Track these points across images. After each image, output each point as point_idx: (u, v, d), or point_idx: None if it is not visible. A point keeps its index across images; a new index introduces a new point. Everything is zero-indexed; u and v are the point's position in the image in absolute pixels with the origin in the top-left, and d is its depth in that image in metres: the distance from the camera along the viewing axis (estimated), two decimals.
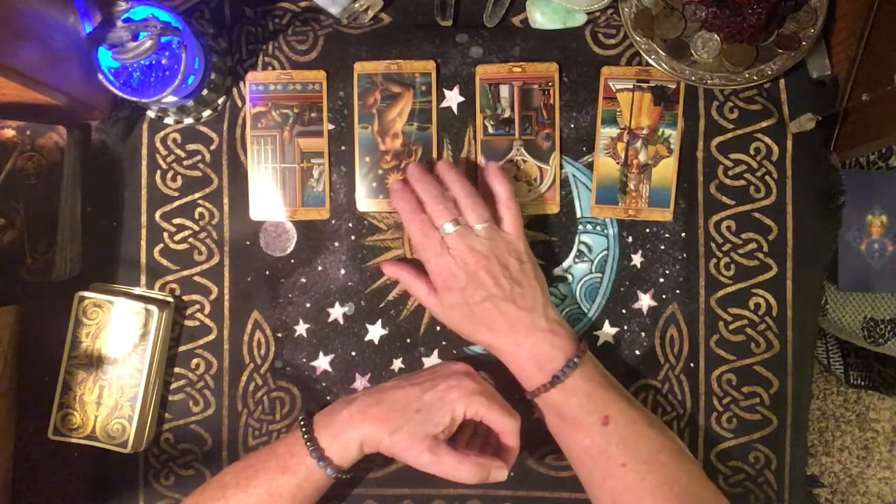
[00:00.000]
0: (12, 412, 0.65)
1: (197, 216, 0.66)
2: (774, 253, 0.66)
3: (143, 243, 0.66)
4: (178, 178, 0.66)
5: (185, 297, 0.66)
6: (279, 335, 0.67)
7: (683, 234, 0.66)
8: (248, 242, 0.67)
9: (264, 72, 0.66)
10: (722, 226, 0.66)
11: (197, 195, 0.66)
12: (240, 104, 0.66)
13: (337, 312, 0.67)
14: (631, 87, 0.66)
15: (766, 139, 0.65)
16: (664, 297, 0.66)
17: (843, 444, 1.45)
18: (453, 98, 0.67)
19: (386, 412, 0.56)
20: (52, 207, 0.62)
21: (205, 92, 0.62)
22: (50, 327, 0.63)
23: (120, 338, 0.63)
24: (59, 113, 0.61)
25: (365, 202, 0.66)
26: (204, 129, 0.67)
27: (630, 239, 0.66)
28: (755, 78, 0.63)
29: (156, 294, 0.66)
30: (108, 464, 0.65)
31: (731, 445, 0.66)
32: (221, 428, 0.66)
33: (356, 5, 0.65)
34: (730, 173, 0.66)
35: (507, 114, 0.66)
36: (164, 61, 0.58)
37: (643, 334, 0.66)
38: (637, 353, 0.66)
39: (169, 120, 0.66)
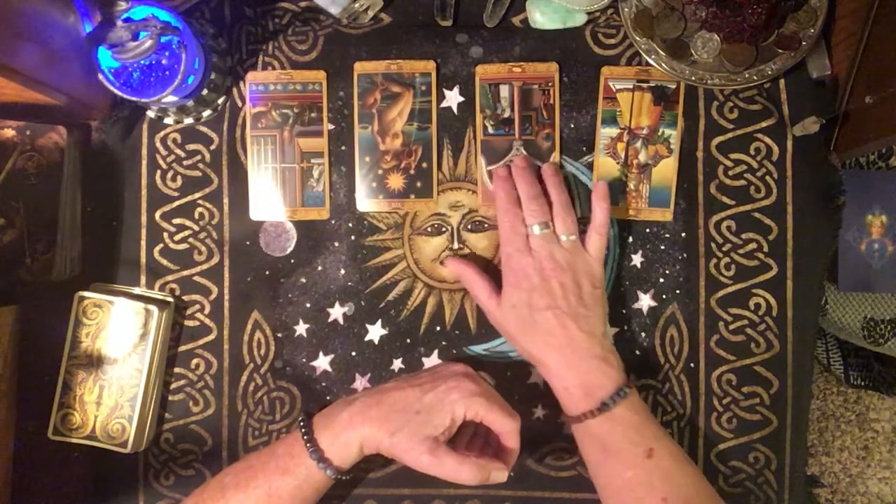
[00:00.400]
0: (12, 412, 0.65)
1: (197, 216, 0.66)
2: (774, 253, 0.65)
3: (143, 243, 0.66)
4: (178, 178, 0.66)
5: (185, 297, 0.66)
6: (279, 335, 0.67)
7: (683, 234, 0.66)
8: (248, 242, 0.67)
9: (264, 72, 0.66)
10: (722, 226, 0.66)
11: (197, 195, 0.66)
12: (240, 104, 0.66)
13: (337, 312, 0.67)
14: (631, 87, 0.66)
15: (767, 139, 0.65)
16: (664, 297, 0.66)
17: (843, 444, 1.45)
18: (453, 98, 0.67)
19: (386, 413, 0.56)
20: (52, 207, 0.62)
21: (205, 92, 0.62)
22: (50, 327, 0.63)
23: (120, 338, 0.63)
24: (59, 113, 0.61)
25: (365, 202, 0.66)
26: (204, 129, 0.67)
27: (630, 239, 0.66)
28: (755, 78, 0.63)
29: (156, 294, 0.66)
30: (108, 464, 0.65)
31: (731, 445, 0.66)
32: (221, 428, 0.66)
33: (356, 5, 0.65)
34: (730, 173, 0.66)
35: (506, 114, 0.66)
36: (164, 61, 0.58)
37: (643, 334, 0.66)
38: (637, 353, 0.66)
39: (169, 120, 0.66)
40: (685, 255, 0.66)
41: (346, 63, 0.66)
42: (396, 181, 0.66)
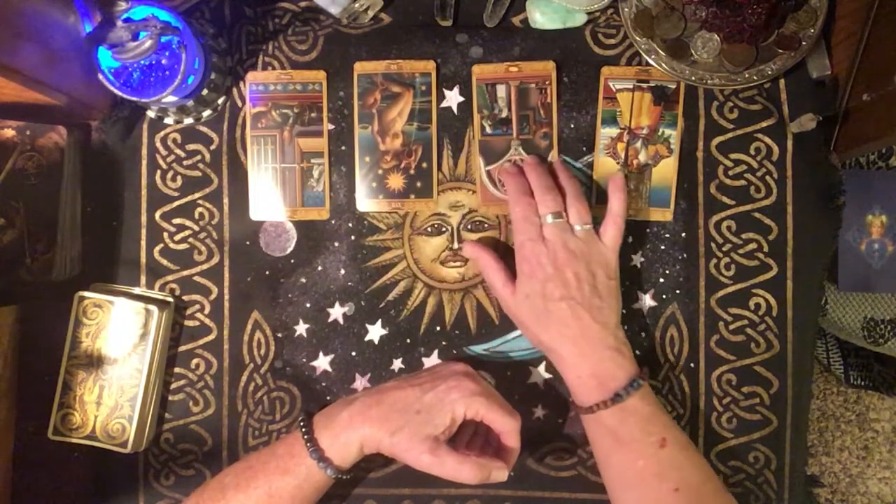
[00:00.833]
0: (12, 412, 0.65)
1: (197, 216, 0.66)
2: (774, 253, 0.65)
3: (143, 243, 0.66)
4: (178, 178, 0.66)
5: (185, 297, 0.66)
6: (279, 335, 0.67)
7: (684, 234, 0.66)
8: (248, 242, 0.67)
9: (264, 72, 0.66)
10: (722, 226, 0.66)
11: (197, 195, 0.66)
12: (240, 104, 0.66)
13: (337, 312, 0.67)
14: (631, 87, 0.66)
15: (767, 139, 0.65)
16: (664, 297, 0.66)
17: (843, 444, 1.45)
18: (453, 98, 0.67)
19: (386, 413, 0.56)
20: (52, 207, 0.62)
21: (205, 92, 0.62)
22: (50, 327, 0.63)
23: (120, 338, 0.63)
24: (59, 113, 0.61)
25: (365, 202, 0.66)
26: (204, 129, 0.67)
27: (630, 239, 0.66)
28: (755, 78, 0.63)
29: (156, 294, 0.66)
30: (108, 464, 0.65)
31: (731, 445, 0.66)
32: (221, 428, 0.66)
33: (356, 5, 0.65)
34: (730, 173, 0.66)
35: (504, 113, 0.66)
36: (164, 61, 0.58)
37: (643, 334, 0.66)
38: (637, 353, 0.66)
39: (169, 120, 0.66)
40: (685, 255, 0.66)
41: (346, 63, 0.66)
42: (396, 181, 0.66)
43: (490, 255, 0.63)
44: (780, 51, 0.63)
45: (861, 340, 0.89)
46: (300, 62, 0.66)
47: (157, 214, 0.66)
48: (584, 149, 0.66)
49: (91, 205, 0.66)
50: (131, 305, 0.63)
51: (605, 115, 0.66)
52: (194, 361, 0.66)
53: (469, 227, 0.66)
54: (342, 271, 0.66)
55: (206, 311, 0.66)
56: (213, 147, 0.66)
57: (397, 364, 0.67)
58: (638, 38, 0.64)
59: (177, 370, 0.66)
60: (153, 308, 0.62)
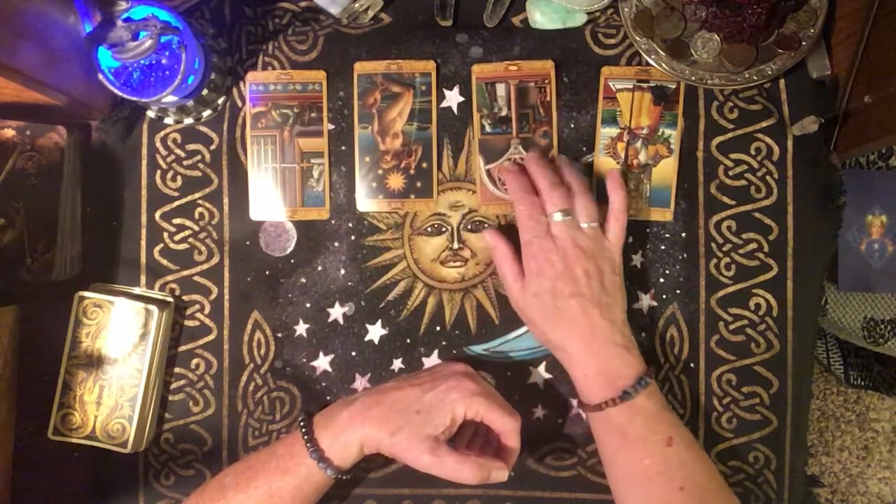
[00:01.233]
0: (12, 412, 0.65)
1: (197, 216, 0.66)
2: (775, 253, 0.65)
3: (143, 243, 0.66)
4: (178, 178, 0.66)
5: (185, 297, 0.66)
6: (279, 335, 0.66)
7: (684, 234, 0.66)
8: (248, 242, 0.67)
9: (264, 72, 0.66)
10: (722, 226, 0.66)
11: (197, 195, 0.66)
12: (240, 104, 0.66)
13: (337, 312, 0.67)
14: (631, 86, 0.66)
15: (767, 139, 0.65)
16: (664, 297, 0.66)
17: (843, 444, 1.45)
18: (453, 98, 0.67)
19: (386, 413, 0.56)
20: (52, 207, 0.62)
21: (205, 92, 0.62)
22: (50, 327, 0.63)
23: (120, 338, 0.63)
24: (59, 113, 0.61)
25: (365, 202, 0.66)
26: (204, 129, 0.67)
27: (630, 239, 0.66)
28: (755, 78, 0.63)
29: (156, 294, 0.66)
30: (108, 464, 0.65)
31: (731, 445, 0.66)
32: (221, 428, 0.66)
33: (356, 5, 0.65)
34: (730, 173, 0.66)
35: (503, 112, 0.66)
36: (164, 61, 0.58)
37: (643, 334, 0.66)
38: None
39: (169, 120, 0.66)
40: (685, 255, 0.66)
41: (346, 63, 0.66)
42: (396, 181, 0.66)
43: (507, 246, 0.62)
44: (780, 51, 0.63)
45: (861, 340, 0.89)
46: (300, 62, 0.66)
47: (157, 214, 0.66)
48: (584, 149, 0.66)
49: (91, 205, 0.66)
50: (131, 305, 0.63)
51: (605, 115, 0.66)
52: (194, 361, 0.66)
53: (469, 226, 0.66)
54: (342, 271, 0.66)
55: (206, 311, 0.66)
56: (213, 147, 0.66)
57: (397, 364, 0.67)
58: (638, 38, 0.64)
59: (177, 370, 0.66)
60: (153, 308, 0.62)
